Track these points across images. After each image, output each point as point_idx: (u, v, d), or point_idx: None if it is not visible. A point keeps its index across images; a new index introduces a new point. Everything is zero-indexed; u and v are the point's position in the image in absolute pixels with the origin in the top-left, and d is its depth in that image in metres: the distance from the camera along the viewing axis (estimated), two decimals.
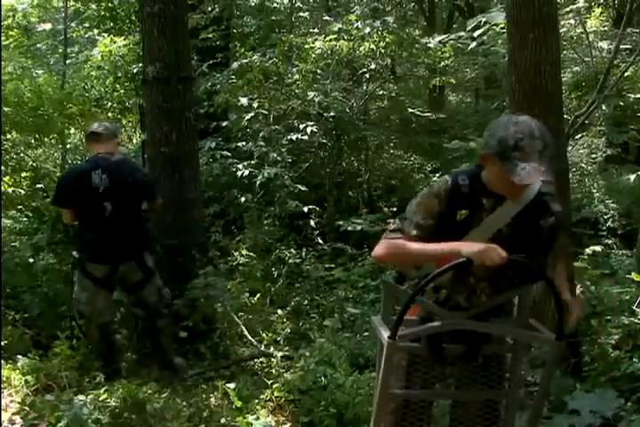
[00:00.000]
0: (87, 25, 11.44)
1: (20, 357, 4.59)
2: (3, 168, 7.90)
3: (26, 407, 3.85)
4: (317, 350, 4.81)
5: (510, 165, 2.43)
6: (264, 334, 5.43)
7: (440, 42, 9.45)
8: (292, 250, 7.20)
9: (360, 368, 4.61)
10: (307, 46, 8.78)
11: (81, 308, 4.84)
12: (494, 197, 2.61)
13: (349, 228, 7.80)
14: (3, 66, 9.02)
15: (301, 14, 11.65)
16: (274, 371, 4.97)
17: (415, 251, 2.57)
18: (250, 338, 5.39)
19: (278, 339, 5.57)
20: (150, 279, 4.82)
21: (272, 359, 5.12)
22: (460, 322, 2.62)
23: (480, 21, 7.71)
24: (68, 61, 10.74)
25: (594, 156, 10.75)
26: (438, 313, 2.63)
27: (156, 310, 4.91)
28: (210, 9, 9.32)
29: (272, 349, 5.29)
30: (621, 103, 9.49)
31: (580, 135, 10.21)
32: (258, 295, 6.33)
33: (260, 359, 5.19)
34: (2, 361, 4.43)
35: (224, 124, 8.73)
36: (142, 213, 4.84)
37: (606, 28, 10.57)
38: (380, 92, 10.33)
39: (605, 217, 8.68)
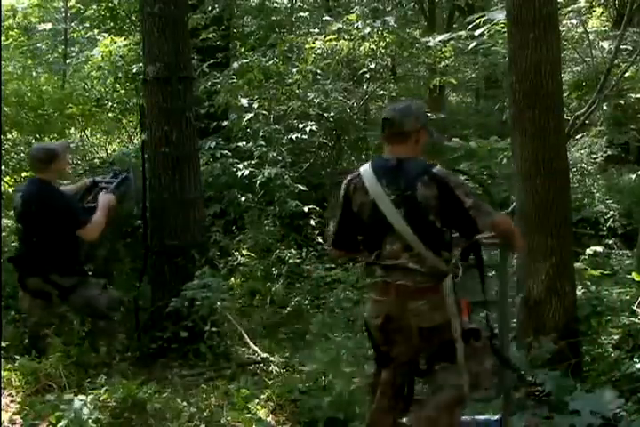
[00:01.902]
0: (87, 25, 11.45)
1: (19, 357, 4.59)
2: (3, 168, 7.90)
3: (26, 407, 3.85)
4: (317, 350, 4.81)
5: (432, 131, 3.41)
6: (264, 338, 5.45)
7: (441, 42, 9.44)
8: (293, 250, 7.20)
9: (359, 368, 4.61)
10: (307, 46, 8.78)
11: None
12: None
13: None
14: (3, 66, 9.02)
15: (301, 14, 11.65)
16: (274, 371, 4.97)
17: None
18: (251, 345, 5.38)
19: (278, 340, 5.59)
20: (68, 296, 4.90)
21: (272, 359, 5.14)
22: None
23: (480, 21, 7.70)
24: (68, 61, 10.77)
25: (594, 156, 10.74)
26: None
27: (96, 316, 5.04)
28: (210, 9, 9.31)
29: (272, 351, 5.31)
30: (621, 102, 9.50)
31: (580, 135, 10.20)
32: (258, 295, 6.34)
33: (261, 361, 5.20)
34: (2, 361, 4.43)
35: (224, 123, 8.73)
36: (65, 237, 4.85)
37: (607, 28, 10.57)
38: (381, 92, 10.32)
39: (606, 217, 8.67)
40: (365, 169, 3.25)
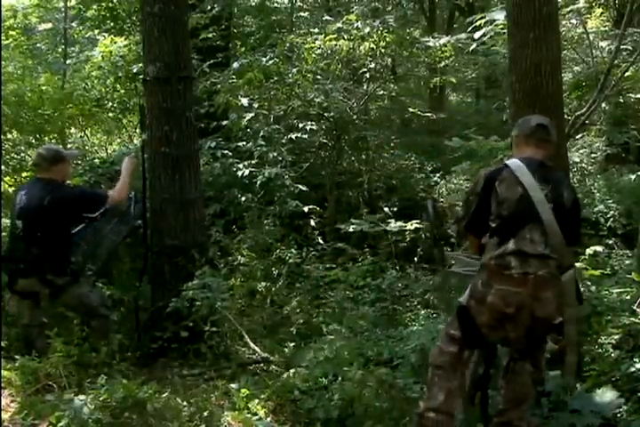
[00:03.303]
0: (87, 25, 11.46)
1: (19, 357, 4.59)
2: (3, 168, 7.90)
3: (26, 407, 3.85)
4: (318, 350, 4.81)
5: None
6: (264, 337, 5.44)
7: (443, 44, 9.44)
8: (293, 250, 7.19)
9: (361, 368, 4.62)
10: (307, 46, 8.78)
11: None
12: None
13: (350, 229, 7.80)
14: (3, 66, 9.02)
15: (301, 14, 11.66)
16: (274, 371, 4.97)
17: None
18: (252, 345, 5.38)
19: (278, 340, 5.59)
20: (60, 294, 4.94)
21: (272, 359, 5.14)
22: None
23: (480, 23, 7.70)
24: (68, 61, 10.76)
25: (594, 155, 10.74)
26: None
27: (89, 314, 5.08)
28: (209, 8, 9.30)
29: (272, 351, 5.30)
30: (621, 100, 9.49)
31: (580, 135, 10.19)
32: (258, 295, 6.33)
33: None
34: (2, 361, 4.43)
35: (224, 123, 8.73)
36: (65, 235, 4.94)
37: (607, 28, 10.56)
38: (381, 92, 10.32)
39: (606, 217, 8.65)
40: (516, 164, 3.52)
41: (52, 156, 4.98)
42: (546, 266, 3.37)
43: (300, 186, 7.94)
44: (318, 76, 8.98)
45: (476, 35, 7.91)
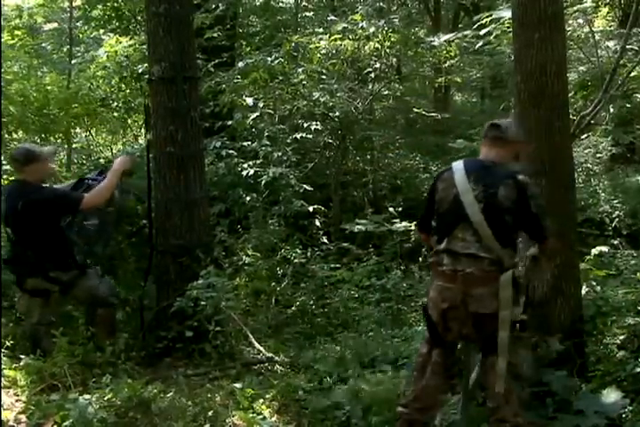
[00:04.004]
0: (93, 25, 11.48)
1: (24, 356, 4.60)
2: (8, 167, 7.91)
3: (31, 406, 3.86)
4: (322, 350, 4.81)
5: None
6: (269, 337, 5.44)
7: (446, 41, 9.43)
8: (298, 250, 7.19)
9: (365, 368, 4.62)
10: (312, 46, 8.77)
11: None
12: None
13: (355, 229, 7.81)
14: (8, 65, 9.04)
15: (306, 14, 11.66)
16: (279, 371, 4.97)
17: None
18: (256, 345, 5.38)
19: (283, 340, 5.59)
20: (69, 290, 4.97)
21: (276, 359, 5.15)
22: None
23: (486, 21, 7.68)
24: (73, 61, 10.78)
25: (599, 155, 10.73)
26: None
27: (99, 304, 5.11)
28: (214, 7, 9.31)
29: (277, 350, 5.31)
30: (628, 105, 9.47)
31: (585, 135, 10.17)
32: (263, 295, 6.34)
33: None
34: (6, 360, 4.44)
35: (229, 123, 8.73)
36: (55, 232, 4.89)
37: (613, 28, 10.54)
38: (386, 92, 10.32)
39: (611, 217, 8.65)
40: (457, 164, 3.63)
41: (24, 156, 4.87)
42: (478, 264, 3.45)
43: (305, 186, 7.94)
44: (323, 76, 8.97)
45: (482, 32, 7.89)
